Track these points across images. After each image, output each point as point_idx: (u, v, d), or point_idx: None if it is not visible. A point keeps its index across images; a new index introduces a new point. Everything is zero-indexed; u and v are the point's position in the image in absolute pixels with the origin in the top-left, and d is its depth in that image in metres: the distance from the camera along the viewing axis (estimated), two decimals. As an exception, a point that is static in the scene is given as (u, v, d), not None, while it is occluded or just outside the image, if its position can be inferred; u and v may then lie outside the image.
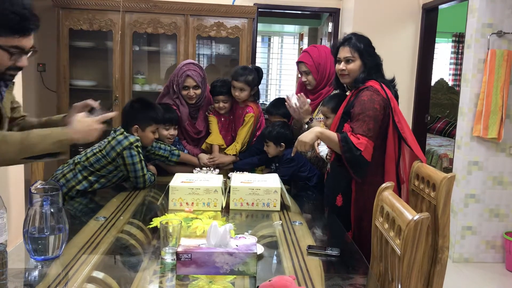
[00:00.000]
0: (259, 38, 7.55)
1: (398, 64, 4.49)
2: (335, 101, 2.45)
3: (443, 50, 7.66)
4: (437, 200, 1.81)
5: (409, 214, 1.33)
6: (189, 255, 1.47)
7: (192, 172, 2.60)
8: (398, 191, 2.22)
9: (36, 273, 1.50)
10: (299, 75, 2.86)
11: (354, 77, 2.29)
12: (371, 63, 2.27)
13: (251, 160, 2.90)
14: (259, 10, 4.69)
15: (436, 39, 7.46)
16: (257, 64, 7.44)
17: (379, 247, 1.62)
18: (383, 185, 1.65)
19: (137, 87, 4.51)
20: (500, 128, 3.36)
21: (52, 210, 1.52)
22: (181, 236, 1.62)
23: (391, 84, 2.31)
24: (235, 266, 1.48)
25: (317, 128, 2.24)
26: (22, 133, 1.58)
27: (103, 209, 2.16)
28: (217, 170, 2.76)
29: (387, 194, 1.58)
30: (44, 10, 4.42)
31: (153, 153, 2.73)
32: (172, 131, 2.82)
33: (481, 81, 3.42)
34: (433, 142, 6.45)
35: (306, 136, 2.19)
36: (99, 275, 1.51)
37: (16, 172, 3.34)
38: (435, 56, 7.70)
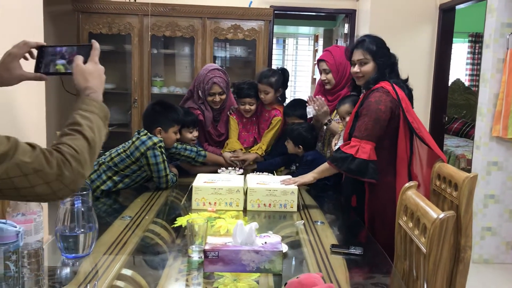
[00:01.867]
0: (274, 40, 7.59)
1: (415, 64, 4.49)
2: (350, 102, 2.47)
3: (459, 50, 7.62)
4: (459, 200, 1.82)
5: (434, 213, 1.35)
6: (217, 253, 1.50)
7: (216, 173, 2.64)
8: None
9: (67, 270, 1.54)
10: (319, 74, 2.89)
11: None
12: (385, 63, 2.29)
13: (274, 161, 2.92)
14: (275, 12, 4.72)
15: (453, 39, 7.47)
16: (273, 66, 7.51)
17: (403, 245, 1.64)
18: (406, 184, 1.67)
19: (155, 90, 4.57)
20: (519, 128, 3.34)
21: (82, 209, 1.57)
22: (207, 235, 1.65)
23: (404, 84, 2.32)
24: (261, 264, 1.51)
25: (313, 172, 2.38)
26: (80, 137, 1.17)
27: (128, 209, 2.20)
28: (241, 171, 2.79)
29: (410, 193, 1.60)
30: (65, 14, 4.51)
31: (179, 153, 2.77)
32: (195, 133, 2.85)
33: (500, 81, 3.41)
34: (450, 143, 6.41)
35: (304, 178, 2.36)
36: (128, 272, 1.55)
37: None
38: (451, 56, 7.72)
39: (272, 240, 1.59)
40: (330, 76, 2.76)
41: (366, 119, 2.19)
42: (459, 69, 7.57)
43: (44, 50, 1.39)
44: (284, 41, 7.63)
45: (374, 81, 2.27)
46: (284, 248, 1.69)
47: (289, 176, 2.37)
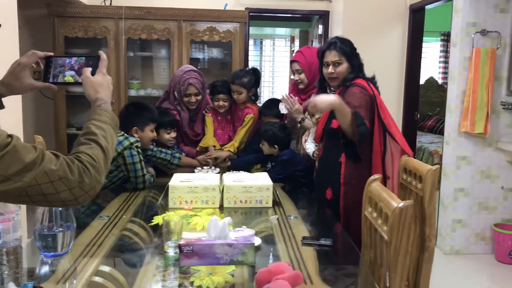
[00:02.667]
0: (251, 41, 7.67)
1: (388, 63, 4.61)
2: None
3: (432, 49, 7.81)
4: (423, 191, 1.91)
5: (395, 202, 1.43)
6: (191, 247, 1.56)
7: (193, 173, 2.70)
8: (384, 185, 2.33)
9: (46, 268, 1.58)
10: (293, 74, 2.98)
11: (342, 79, 2.40)
12: (356, 63, 2.39)
13: (248, 158, 3.00)
14: (250, 14, 4.80)
15: (425, 38, 7.61)
16: (249, 67, 7.59)
17: (369, 235, 1.72)
18: (371, 177, 1.76)
19: (132, 92, 4.60)
20: (486, 124, 3.47)
21: (60, 209, 1.61)
22: (182, 231, 1.71)
23: (373, 81, 2.43)
24: (235, 257, 1.58)
25: (332, 99, 2.18)
26: (95, 146, 1.20)
27: (106, 209, 2.24)
28: (218, 169, 2.86)
29: (375, 185, 1.68)
30: (40, 18, 4.51)
31: (155, 156, 2.82)
32: (173, 134, 2.91)
33: (467, 78, 3.54)
34: (424, 139, 6.58)
35: (324, 100, 2.16)
36: (106, 269, 1.60)
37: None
38: (425, 55, 7.88)
39: (246, 233, 1.66)
40: (302, 76, 2.85)
41: (363, 103, 2.23)
42: (432, 68, 7.76)
43: (52, 60, 1.44)
44: (261, 42, 7.72)
45: (350, 80, 2.37)
46: (258, 241, 1.76)
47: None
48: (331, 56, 2.42)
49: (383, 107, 2.31)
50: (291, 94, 2.83)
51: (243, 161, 2.99)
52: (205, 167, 2.88)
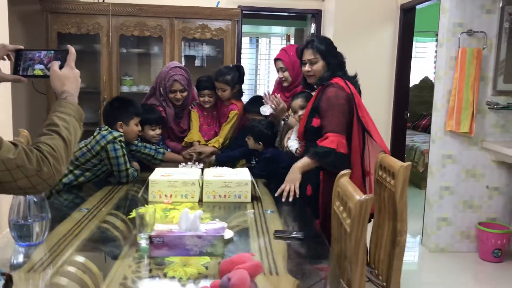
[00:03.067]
0: (247, 39, 7.70)
1: (378, 62, 4.65)
2: (303, 98, 2.60)
3: (427, 49, 7.83)
4: (395, 187, 1.95)
5: (357, 196, 1.47)
6: (162, 238, 1.61)
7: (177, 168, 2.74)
8: (363, 181, 2.37)
9: (20, 258, 1.63)
10: (277, 72, 3.01)
11: (319, 76, 2.44)
12: (334, 62, 2.42)
13: (232, 153, 3.04)
14: (243, 12, 4.83)
15: (421, 38, 7.68)
16: (245, 65, 7.63)
17: (337, 229, 1.76)
18: (341, 172, 1.80)
19: (125, 88, 4.64)
20: (471, 123, 3.51)
21: (35, 200, 1.65)
22: (155, 223, 1.75)
23: (353, 80, 2.46)
24: (204, 248, 1.62)
25: (296, 167, 2.34)
26: (57, 136, 1.24)
27: (87, 201, 2.29)
28: (201, 165, 2.90)
29: (343, 180, 1.72)
30: (33, 14, 4.55)
31: (139, 151, 2.86)
32: (158, 131, 2.96)
33: (453, 78, 3.57)
34: (417, 138, 6.60)
35: (293, 178, 2.32)
36: (80, 260, 1.64)
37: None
38: (421, 55, 7.92)
39: (216, 226, 1.70)
40: (286, 74, 2.89)
41: (334, 113, 2.29)
42: (427, 67, 7.78)
43: (22, 54, 1.47)
44: (257, 41, 7.75)
45: (327, 79, 2.40)
46: (229, 234, 1.81)
47: (283, 187, 2.37)
48: (307, 54, 2.48)
49: (361, 106, 2.35)
50: (275, 94, 2.87)
51: (228, 156, 3.03)
52: (189, 163, 2.92)
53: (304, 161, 2.33)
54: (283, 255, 1.69)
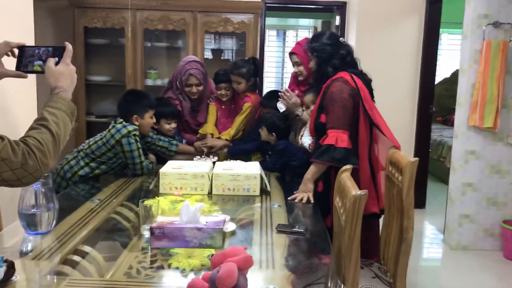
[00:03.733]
0: (273, 32, 7.68)
1: (403, 55, 4.55)
2: (313, 92, 2.58)
3: (459, 41, 7.60)
4: (402, 183, 1.92)
5: (353, 192, 1.46)
6: (162, 230, 1.64)
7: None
8: (371, 177, 2.34)
9: (29, 245, 1.69)
10: (292, 66, 3.00)
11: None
12: (323, 56, 2.42)
13: (244, 146, 3.06)
14: (267, 4, 4.82)
15: (451, 30, 7.46)
16: (271, 58, 7.61)
17: (338, 225, 1.75)
18: (342, 168, 1.78)
19: (149, 82, 4.71)
20: (496, 118, 3.40)
21: (43, 190, 1.71)
22: (158, 215, 1.79)
23: (362, 75, 2.42)
24: (203, 240, 1.64)
25: (306, 179, 2.33)
26: (45, 130, 1.27)
27: (100, 192, 2.35)
28: (216, 158, 2.93)
29: (343, 175, 1.71)
30: (61, 9, 4.68)
31: (154, 143, 2.92)
32: (173, 125, 3.00)
33: (477, 71, 3.47)
34: (447, 133, 6.45)
35: (305, 189, 2.31)
36: (87, 249, 1.69)
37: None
38: (451, 47, 7.70)
39: (216, 219, 1.72)
40: (301, 68, 2.88)
41: (335, 109, 2.29)
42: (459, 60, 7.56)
43: (24, 50, 1.52)
44: (284, 33, 7.71)
45: (332, 73, 2.38)
46: (232, 226, 1.82)
47: (297, 195, 2.34)
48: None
49: (368, 99, 2.32)
50: (287, 88, 2.87)
51: (239, 149, 3.06)
52: (203, 156, 2.96)
53: (311, 169, 2.34)
54: (282, 249, 1.70)
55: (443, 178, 5.62)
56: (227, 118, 3.24)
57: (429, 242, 4.14)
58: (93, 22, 4.47)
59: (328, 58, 2.41)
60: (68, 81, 1.41)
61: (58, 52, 1.44)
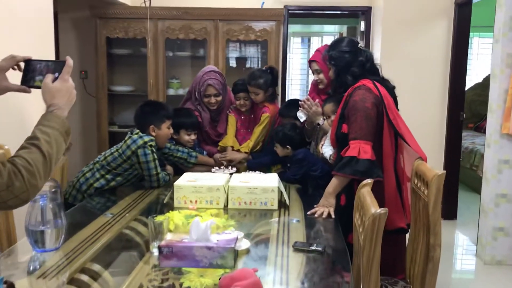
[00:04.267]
0: (298, 39, 7.59)
1: (431, 61, 4.40)
2: (334, 102, 2.48)
3: (491, 45, 7.35)
4: (428, 198, 1.79)
5: (372, 209, 1.35)
6: (171, 248, 1.56)
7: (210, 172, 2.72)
8: (397, 189, 2.21)
9: (36, 263, 1.64)
10: (312, 74, 2.91)
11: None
12: (341, 65, 2.33)
13: (263, 159, 2.97)
14: (290, 11, 4.74)
15: (484, 34, 7.21)
16: (296, 65, 7.53)
17: (357, 243, 1.64)
18: (363, 182, 1.67)
19: (171, 91, 4.68)
20: (531, 125, 3.22)
21: (50, 206, 1.66)
22: (167, 231, 1.71)
23: (384, 82, 2.30)
24: (214, 260, 1.56)
25: (327, 193, 2.22)
26: (35, 150, 1.21)
27: (114, 206, 2.30)
28: (234, 169, 2.85)
29: (363, 190, 1.60)
30: (84, 20, 4.71)
31: (172, 155, 2.86)
32: (193, 136, 2.94)
33: (509, 76, 3.30)
34: (479, 140, 6.21)
35: (326, 204, 2.20)
36: (95, 267, 1.63)
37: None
38: (483, 51, 7.44)
39: (228, 237, 1.64)
40: (321, 76, 2.77)
41: (357, 118, 2.18)
42: (492, 65, 7.31)
43: (30, 64, 1.48)
44: (309, 40, 7.61)
45: (352, 81, 2.27)
46: (246, 244, 1.73)
47: (317, 209, 2.23)
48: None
49: (392, 108, 2.19)
50: (308, 97, 2.77)
51: (258, 162, 2.97)
52: (222, 167, 2.89)
53: (332, 182, 2.22)
54: (298, 269, 1.60)
55: (476, 187, 5.38)
56: (247, 128, 3.16)
57: (461, 255, 3.95)
58: (115, 33, 4.47)
59: (347, 66, 2.30)
60: (65, 99, 1.33)
61: (59, 67, 1.37)
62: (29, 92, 1.47)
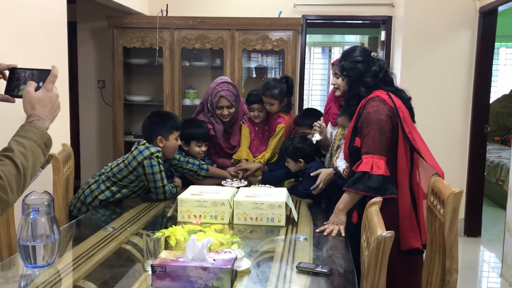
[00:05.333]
0: (319, 49, 7.48)
1: (454, 72, 4.24)
2: (347, 114, 2.37)
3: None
4: (444, 218, 1.66)
5: (378, 232, 1.23)
6: (164, 268, 1.47)
7: (220, 185, 2.64)
8: (413, 207, 2.08)
9: (25, 281, 1.57)
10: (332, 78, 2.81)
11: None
12: (353, 75, 2.21)
13: (278, 173, 2.87)
14: (308, 21, 4.65)
15: (511, 44, 6.98)
16: (317, 75, 7.41)
17: (363, 266, 1.52)
18: (371, 200, 1.55)
19: (187, 101, 4.64)
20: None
21: (43, 220, 1.59)
22: (162, 249, 1.62)
23: (399, 92, 2.18)
24: (209, 281, 1.46)
25: (337, 210, 2.11)
26: (8, 162, 1.15)
27: (117, 219, 2.23)
28: (245, 182, 2.76)
29: (371, 210, 1.48)
30: (101, 30, 4.72)
31: (181, 166, 2.78)
32: (204, 148, 2.87)
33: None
34: (506, 154, 5.98)
35: (336, 221, 2.10)
36: (88, 285, 1.55)
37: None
38: (510, 62, 7.19)
39: (226, 256, 1.54)
40: (339, 81, 2.66)
41: (371, 132, 2.06)
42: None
43: (15, 72, 1.41)
44: (330, 50, 7.50)
45: (366, 92, 2.16)
46: (246, 264, 1.63)
47: (326, 227, 2.12)
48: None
49: (407, 120, 2.06)
50: (318, 122, 2.70)
51: (273, 176, 2.87)
52: (234, 179, 2.80)
53: (343, 198, 2.09)
54: (300, 293, 1.49)
55: (502, 203, 5.15)
56: (261, 140, 3.07)
57: (486, 276, 3.75)
58: (132, 42, 4.46)
59: (360, 76, 2.18)
60: (47, 109, 1.26)
61: (43, 76, 1.30)
62: (13, 101, 1.40)
